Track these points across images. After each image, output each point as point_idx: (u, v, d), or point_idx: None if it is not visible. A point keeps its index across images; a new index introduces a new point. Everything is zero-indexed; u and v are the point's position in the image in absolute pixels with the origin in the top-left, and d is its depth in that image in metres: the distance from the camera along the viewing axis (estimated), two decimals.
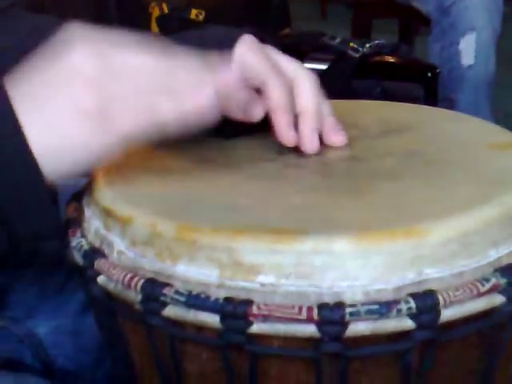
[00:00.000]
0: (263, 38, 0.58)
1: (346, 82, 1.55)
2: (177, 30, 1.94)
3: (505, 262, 0.45)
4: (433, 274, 0.43)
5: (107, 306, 0.50)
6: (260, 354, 0.44)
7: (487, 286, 0.43)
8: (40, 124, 0.45)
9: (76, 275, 0.52)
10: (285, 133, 0.54)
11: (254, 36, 0.56)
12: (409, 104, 0.68)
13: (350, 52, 1.55)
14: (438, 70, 1.51)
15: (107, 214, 0.49)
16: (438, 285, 0.43)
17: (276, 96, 0.53)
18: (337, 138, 0.56)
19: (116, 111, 0.46)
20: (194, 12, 1.94)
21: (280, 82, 0.54)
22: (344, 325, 0.42)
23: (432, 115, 0.64)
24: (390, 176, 0.52)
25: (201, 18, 1.94)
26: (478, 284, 0.43)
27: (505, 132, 0.59)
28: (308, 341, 0.43)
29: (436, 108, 0.66)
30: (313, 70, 1.74)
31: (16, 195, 0.45)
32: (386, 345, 0.44)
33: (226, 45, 0.55)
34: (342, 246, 0.43)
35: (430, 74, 1.50)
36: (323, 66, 1.57)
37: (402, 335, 0.43)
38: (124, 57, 0.47)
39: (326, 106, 0.57)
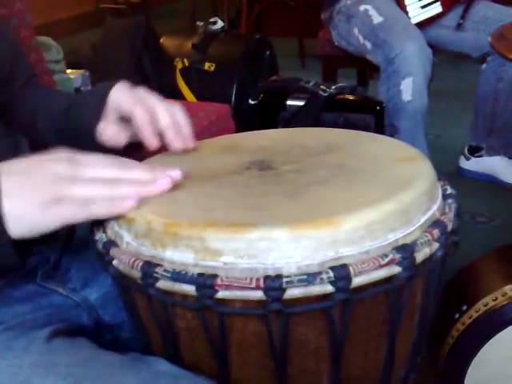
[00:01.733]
0: (136, 84, 0.63)
1: (317, 114, 1.55)
2: (195, 78, 1.97)
3: (401, 242, 0.46)
4: (346, 253, 0.44)
5: (120, 281, 0.51)
6: (225, 313, 0.45)
7: (386, 259, 0.44)
8: (13, 200, 0.45)
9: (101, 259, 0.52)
10: (148, 140, 0.59)
11: (128, 83, 0.62)
12: (343, 129, 0.66)
13: (320, 92, 1.55)
14: (384, 105, 1.51)
15: (119, 215, 0.50)
16: (350, 260, 0.44)
17: (139, 118, 0.58)
18: (189, 142, 0.60)
19: (62, 205, 0.46)
20: (207, 64, 1.95)
21: (142, 110, 0.58)
22: (282, 290, 0.43)
23: (358, 137, 0.63)
24: (321, 183, 0.51)
25: (212, 68, 1.95)
26: (380, 259, 0.44)
27: (408, 148, 0.58)
28: (258, 302, 0.44)
29: (362, 132, 0.65)
30: (293, 105, 1.73)
31: None
32: (314, 303, 0.44)
33: (105, 92, 0.61)
34: (280, 234, 0.43)
35: (378, 108, 1.49)
36: (301, 103, 1.57)
37: (326, 296, 0.44)
38: (86, 169, 0.48)
39: (183, 119, 0.60)
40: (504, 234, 1.56)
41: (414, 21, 1.68)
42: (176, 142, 0.59)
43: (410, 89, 1.59)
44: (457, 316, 0.98)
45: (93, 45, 2.03)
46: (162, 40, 2.04)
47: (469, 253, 1.20)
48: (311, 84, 1.58)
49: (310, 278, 0.42)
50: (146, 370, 0.49)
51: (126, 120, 0.61)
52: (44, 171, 0.46)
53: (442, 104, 2.43)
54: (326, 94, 1.53)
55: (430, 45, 1.66)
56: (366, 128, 1.58)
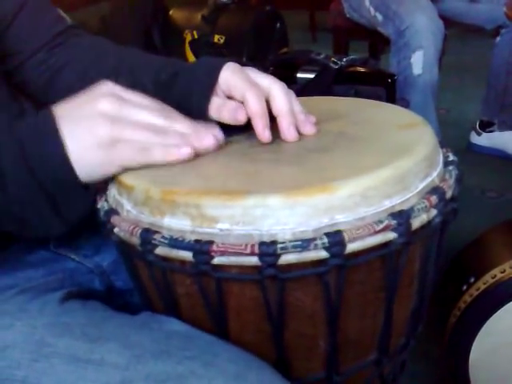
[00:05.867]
0: (244, 64, 0.57)
1: (328, 87, 1.53)
2: (204, 50, 1.96)
3: (397, 208, 0.46)
4: (341, 219, 0.44)
5: (122, 248, 0.52)
6: (222, 278, 0.46)
7: (381, 225, 0.44)
8: (71, 145, 0.47)
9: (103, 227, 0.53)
10: (261, 133, 0.53)
11: (236, 62, 0.56)
12: (347, 98, 0.66)
13: (331, 65, 1.53)
14: (395, 77, 1.48)
15: (119, 184, 0.50)
16: (345, 226, 0.44)
17: (253, 105, 0.52)
18: (306, 129, 0.55)
19: (121, 147, 0.47)
20: (216, 37, 1.93)
21: (255, 94, 0.53)
22: (277, 256, 0.43)
23: (361, 104, 0.62)
24: (321, 150, 0.51)
25: (222, 41, 1.94)
26: (374, 225, 0.44)
27: (411, 114, 0.57)
28: (254, 268, 0.44)
29: (364, 100, 0.64)
30: (304, 78, 1.71)
31: (61, 188, 0.48)
32: (309, 269, 0.45)
33: (215, 70, 0.55)
34: (275, 201, 0.43)
35: (390, 80, 1.47)
36: (311, 75, 1.56)
37: (320, 262, 0.44)
38: (135, 111, 0.48)
39: (297, 105, 0.55)
40: None
41: None
42: (289, 133, 0.54)
43: (420, 62, 1.57)
44: (464, 288, 0.98)
45: (102, 17, 2.02)
46: (171, 12, 2.03)
47: (478, 227, 1.19)
48: (322, 56, 1.56)
49: (305, 243, 0.42)
50: (158, 329, 0.50)
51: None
52: (94, 111, 0.47)
53: (454, 78, 2.40)
54: (336, 67, 1.51)
55: (443, 17, 1.63)
56: (378, 100, 1.56)
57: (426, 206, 0.46)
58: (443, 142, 0.55)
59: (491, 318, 0.94)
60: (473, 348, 0.96)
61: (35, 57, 0.69)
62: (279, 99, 0.54)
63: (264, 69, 1.62)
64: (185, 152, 0.48)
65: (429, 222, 0.47)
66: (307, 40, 3.05)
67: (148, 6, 1.95)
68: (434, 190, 0.48)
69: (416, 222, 0.46)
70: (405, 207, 0.45)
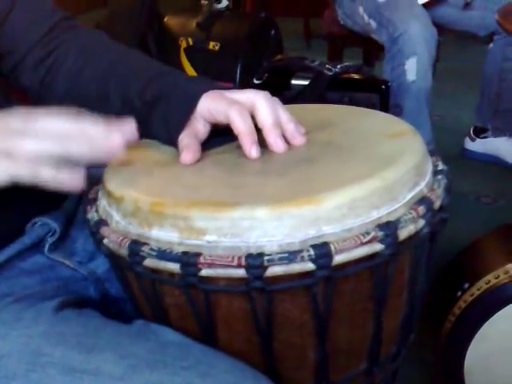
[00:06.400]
0: (222, 87, 0.56)
1: (322, 94, 1.54)
2: (199, 57, 1.96)
3: (384, 219, 0.46)
4: (328, 230, 0.44)
5: (112, 259, 0.52)
6: (209, 290, 0.46)
7: (368, 237, 0.44)
8: None
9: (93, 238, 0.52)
10: (248, 151, 0.52)
11: (214, 88, 0.55)
12: (337, 105, 0.65)
13: (325, 71, 1.53)
14: (389, 84, 1.49)
15: (109, 195, 0.51)
16: (332, 238, 0.44)
17: (238, 124, 0.52)
18: (295, 140, 0.54)
19: (11, 161, 0.44)
20: (211, 44, 1.94)
21: (238, 112, 0.52)
22: (263, 268, 0.43)
23: (350, 113, 0.62)
24: (309, 160, 0.51)
25: (217, 48, 1.94)
26: (361, 236, 0.44)
27: (400, 123, 0.57)
28: (241, 280, 0.44)
29: (356, 108, 0.63)
30: (298, 84, 1.72)
31: None
32: (296, 281, 0.45)
33: (193, 101, 0.54)
34: (262, 213, 0.43)
35: (383, 87, 1.47)
36: (306, 82, 1.56)
37: (308, 274, 0.44)
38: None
39: (284, 114, 0.54)
40: (508, 215, 1.55)
41: (422, 1, 1.65)
42: (276, 145, 0.53)
43: (414, 69, 1.57)
44: (459, 294, 0.98)
45: (97, 24, 2.03)
46: (166, 19, 2.03)
47: (473, 233, 1.19)
48: (316, 63, 1.56)
49: (291, 256, 0.43)
50: (153, 339, 0.50)
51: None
52: (0, 125, 0.45)
53: (448, 85, 2.40)
54: (331, 73, 1.52)
55: (437, 24, 1.64)
56: (371, 107, 1.57)
57: (413, 217, 0.46)
58: (434, 151, 0.55)
59: (486, 324, 0.94)
60: (468, 354, 0.97)
61: (31, 55, 0.67)
62: (263, 112, 0.53)
63: (259, 75, 1.63)
64: (75, 183, 0.44)
65: (417, 233, 0.47)
66: (302, 47, 3.06)
67: (143, 12, 1.96)
68: (422, 200, 0.48)
69: (403, 233, 0.46)
70: (392, 218, 0.46)
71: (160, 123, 0.56)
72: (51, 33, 0.67)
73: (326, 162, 0.51)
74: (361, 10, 1.72)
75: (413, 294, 0.53)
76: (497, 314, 0.93)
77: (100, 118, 0.46)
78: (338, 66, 1.54)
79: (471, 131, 1.91)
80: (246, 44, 1.93)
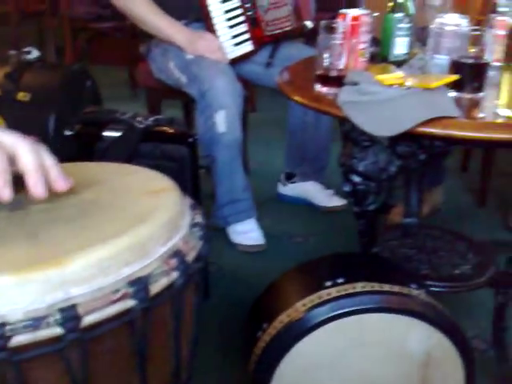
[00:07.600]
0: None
1: (134, 145, 1.56)
2: (9, 108, 1.87)
3: (137, 275, 0.47)
4: (77, 292, 0.44)
5: None
6: None
7: (118, 294, 0.45)
8: None
9: None
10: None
11: None
12: (112, 163, 0.66)
13: (136, 124, 1.56)
14: (196, 137, 1.55)
15: None
16: (82, 299, 0.44)
17: None
18: (58, 184, 0.53)
19: None
20: (21, 94, 1.86)
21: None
22: (6, 338, 0.41)
23: (118, 171, 0.63)
24: (66, 221, 0.51)
25: (27, 98, 1.87)
26: (111, 294, 0.45)
27: (163, 180, 0.59)
28: None
29: (126, 165, 0.65)
30: (110, 136, 1.71)
31: None
32: (46, 347, 0.44)
33: None
34: (5, 281, 0.42)
35: (190, 140, 1.54)
36: (118, 134, 1.57)
37: (58, 339, 0.43)
38: None
39: (49, 160, 0.53)
40: (318, 252, 1.68)
41: (229, 57, 1.77)
42: (36, 190, 0.50)
43: (223, 121, 1.67)
44: (259, 334, 1.02)
45: None
46: None
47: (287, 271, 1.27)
48: (127, 116, 1.58)
49: (36, 322, 0.42)
50: None
51: None
52: None
53: (265, 133, 2.59)
54: (142, 126, 1.55)
55: (243, 79, 1.76)
56: (182, 158, 1.62)
57: (165, 270, 0.48)
58: (195, 205, 0.59)
59: (282, 363, 0.97)
60: None
61: None
62: (25, 157, 0.51)
63: (70, 127, 1.60)
64: None
65: (171, 285, 0.49)
66: (127, 96, 3.06)
67: None
68: (176, 253, 0.50)
69: (156, 287, 0.48)
70: (144, 273, 0.47)
71: None
72: None
73: (80, 222, 0.51)
74: (172, 65, 1.78)
75: (180, 345, 0.54)
76: (290, 352, 0.96)
77: None
78: (150, 119, 1.58)
79: (282, 177, 2.07)
80: (58, 95, 1.87)
